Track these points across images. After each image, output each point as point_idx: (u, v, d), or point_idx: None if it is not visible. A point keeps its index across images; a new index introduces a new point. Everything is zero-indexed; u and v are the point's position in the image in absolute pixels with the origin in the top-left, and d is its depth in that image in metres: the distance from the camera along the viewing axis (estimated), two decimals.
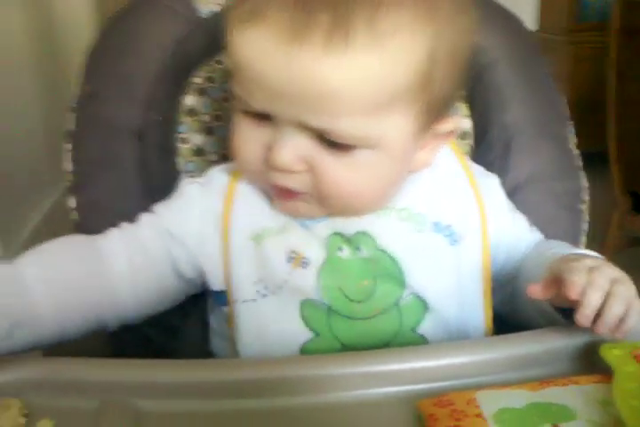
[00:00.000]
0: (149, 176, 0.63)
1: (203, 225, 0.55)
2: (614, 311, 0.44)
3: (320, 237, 0.53)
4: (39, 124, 2.28)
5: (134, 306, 0.54)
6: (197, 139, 0.67)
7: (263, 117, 0.48)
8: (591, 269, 0.45)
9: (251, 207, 0.55)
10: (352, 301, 0.53)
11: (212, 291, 0.56)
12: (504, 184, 0.65)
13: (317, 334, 0.53)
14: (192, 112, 0.66)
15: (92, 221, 0.60)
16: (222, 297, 0.55)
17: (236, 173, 0.56)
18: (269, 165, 0.48)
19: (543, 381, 0.45)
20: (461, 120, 0.68)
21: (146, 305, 0.54)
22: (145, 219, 0.56)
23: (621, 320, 0.44)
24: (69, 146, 0.63)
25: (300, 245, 0.53)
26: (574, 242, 0.67)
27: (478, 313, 0.56)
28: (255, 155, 0.50)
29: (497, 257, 0.57)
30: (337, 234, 0.53)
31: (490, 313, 0.57)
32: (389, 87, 0.45)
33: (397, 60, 0.44)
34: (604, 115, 1.69)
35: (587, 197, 0.69)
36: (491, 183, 0.60)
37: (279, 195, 0.52)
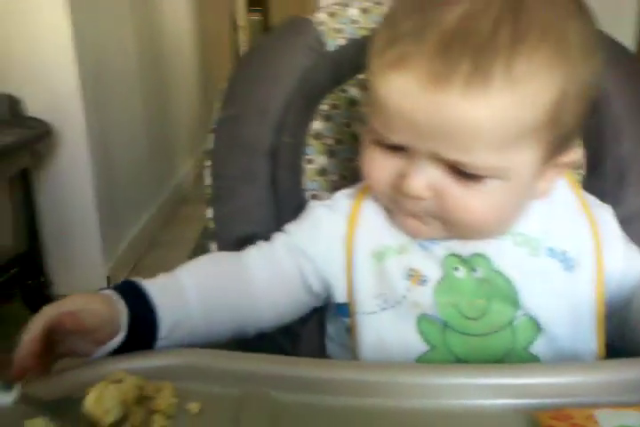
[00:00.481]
0: (279, 192, 0.69)
1: (329, 244, 0.60)
2: None
3: (437, 258, 0.57)
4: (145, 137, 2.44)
5: (270, 316, 0.60)
6: (321, 160, 0.73)
7: (396, 148, 0.52)
8: None
9: (373, 228, 0.59)
10: (467, 318, 0.56)
11: (336, 303, 0.60)
12: (617, 215, 0.67)
13: (433, 348, 0.56)
14: (318, 136, 0.72)
15: (230, 229, 0.67)
16: (344, 309, 0.59)
17: (360, 197, 0.61)
18: (400, 192, 0.52)
19: None
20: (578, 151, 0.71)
21: (280, 316, 0.61)
22: (278, 238, 0.62)
23: None
24: (209, 162, 0.70)
25: (419, 264, 0.57)
26: None
27: (591, 339, 0.58)
28: (386, 181, 0.54)
29: (609, 285, 0.59)
30: (453, 255, 0.57)
31: (602, 340, 0.58)
32: (521, 125, 0.48)
33: (530, 102, 0.48)
34: None
35: None
36: (604, 213, 0.62)
37: (407, 214, 0.56)
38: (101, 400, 0.43)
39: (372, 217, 0.59)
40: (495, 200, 0.52)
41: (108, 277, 1.96)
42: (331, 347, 0.64)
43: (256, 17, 5.77)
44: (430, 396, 0.47)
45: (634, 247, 0.63)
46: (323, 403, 0.47)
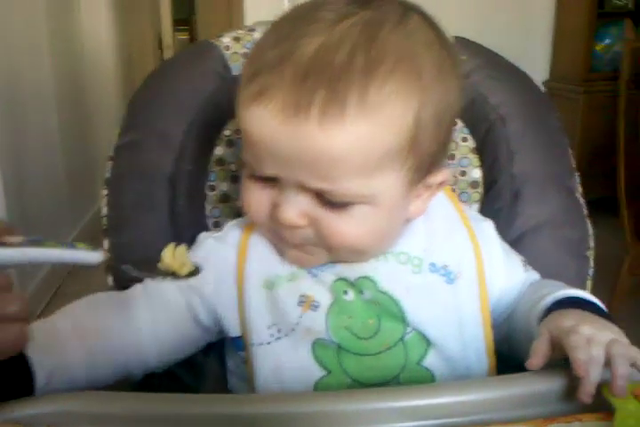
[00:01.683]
0: (179, 220, 0.68)
1: (219, 277, 0.59)
2: (621, 374, 0.46)
3: (326, 283, 0.57)
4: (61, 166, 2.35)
5: (158, 357, 0.58)
6: (224, 186, 0.72)
7: (269, 180, 0.53)
8: (589, 341, 0.48)
9: (263, 257, 0.59)
10: (360, 338, 0.57)
11: (230, 337, 0.60)
12: (512, 231, 0.71)
13: (329, 372, 0.56)
14: (221, 161, 0.72)
15: (127, 261, 0.65)
16: (239, 342, 0.58)
17: (249, 227, 0.61)
18: (277, 221, 0.53)
19: (547, 418, 0.47)
20: (474, 169, 0.74)
21: (168, 355, 0.59)
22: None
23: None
24: (105, 192, 0.69)
25: (310, 290, 0.57)
26: (581, 287, 0.70)
27: (480, 347, 0.59)
28: (264, 212, 0.55)
29: (492, 295, 0.61)
30: (342, 279, 0.58)
31: (492, 347, 0.60)
32: (380, 152, 0.49)
33: (386, 128, 0.49)
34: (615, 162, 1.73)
35: (592, 244, 0.73)
36: (485, 226, 0.64)
37: (288, 245, 0.56)
38: None
39: (261, 247, 0.59)
40: (367, 224, 0.53)
41: None
42: (232, 381, 0.63)
43: (183, 36, 5.72)
44: (328, 424, 0.47)
45: (516, 258, 0.66)
46: None
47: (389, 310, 0.57)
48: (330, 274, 0.58)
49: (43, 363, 0.50)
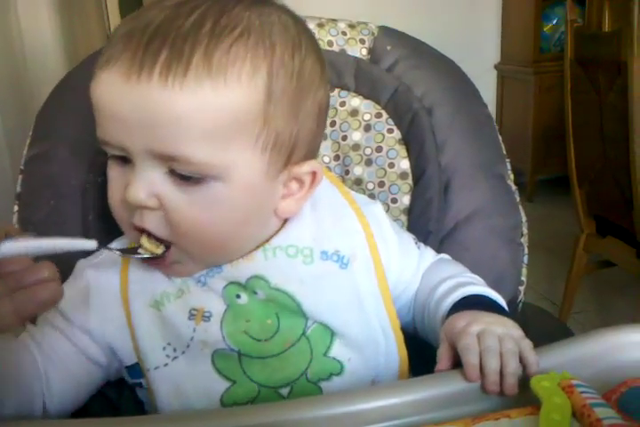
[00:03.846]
0: (92, 234, 0.65)
1: (103, 305, 0.55)
2: (510, 371, 0.47)
3: (217, 290, 0.55)
4: None
5: (58, 404, 0.53)
6: None
7: (125, 161, 0.50)
8: (480, 337, 0.49)
9: (146, 277, 0.56)
10: (260, 341, 0.55)
11: (126, 367, 0.56)
12: (446, 222, 0.70)
13: (234, 382, 0.54)
14: None
15: None
16: (137, 370, 0.56)
17: (130, 246, 0.56)
18: (125, 202, 0.50)
19: (476, 417, 0.45)
20: (402, 161, 0.72)
21: (69, 400, 0.55)
22: (48, 315, 0.56)
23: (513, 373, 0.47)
24: (16, 208, 0.65)
25: (200, 302, 0.54)
26: (516, 274, 0.70)
27: (385, 326, 0.58)
28: (118, 197, 0.52)
29: (389, 273, 0.60)
30: (232, 283, 0.55)
31: (397, 324, 0.59)
32: (227, 117, 0.48)
33: (232, 91, 0.48)
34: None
35: (526, 231, 0.72)
36: (374, 209, 0.63)
37: (150, 262, 0.53)
38: None
39: (143, 266, 0.56)
40: (221, 208, 0.50)
41: None
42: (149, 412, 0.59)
43: None
44: None
45: (408, 238, 0.65)
46: None
47: (286, 306, 0.55)
48: (219, 280, 0.55)
49: None
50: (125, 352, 0.55)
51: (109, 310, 0.55)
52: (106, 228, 0.64)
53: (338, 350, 0.56)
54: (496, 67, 3.02)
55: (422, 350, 0.59)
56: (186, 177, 0.49)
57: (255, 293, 0.55)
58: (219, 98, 0.47)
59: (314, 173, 0.55)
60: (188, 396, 0.54)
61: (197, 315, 0.54)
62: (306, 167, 0.54)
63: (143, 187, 0.49)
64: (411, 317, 0.63)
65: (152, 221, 0.51)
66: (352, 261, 0.58)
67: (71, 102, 0.68)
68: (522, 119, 2.80)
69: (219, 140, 0.48)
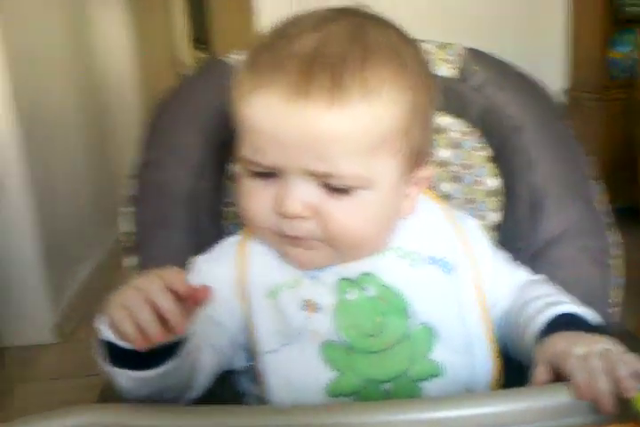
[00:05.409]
0: (201, 237, 0.69)
1: (222, 297, 0.57)
2: (626, 375, 0.46)
3: (328, 284, 0.58)
4: (86, 184, 2.40)
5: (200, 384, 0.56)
6: None
7: (269, 175, 0.55)
8: (585, 358, 0.48)
9: (263, 268, 0.60)
10: (368, 336, 0.57)
11: (243, 352, 0.60)
12: (535, 242, 0.70)
13: (340, 373, 0.57)
14: (234, 177, 0.71)
15: None
16: (247, 355, 0.59)
17: (244, 240, 0.62)
18: (280, 214, 0.54)
19: None
20: (490, 178, 0.74)
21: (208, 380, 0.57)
22: None
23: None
24: (128, 209, 0.70)
25: (312, 294, 0.58)
26: (604, 297, 0.70)
27: (482, 339, 0.60)
28: (265, 210, 0.56)
29: (485, 286, 0.62)
30: (343, 279, 0.59)
31: (493, 338, 0.60)
32: (378, 134, 0.53)
33: (385, 112, 0.53)
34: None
35: (617, 252, 0.72)
36: (471, 224, 0.66)
37: (291, 242, 0.57)
38: None
39: (260, 258, 0.60)
40: (368, 212, 0.55)
41: (55, 325, 1.90)
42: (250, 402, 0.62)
43: (202, 54, 5.80)
44: None
45: (503, 256, 0.66)
46: None
47: (394, 304, 0.58)
48: (331, 275, 0.59)
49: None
50: (242, 339, 0.59)
51: (225, 300, 0.58)
52: (215, 230, 0.69)
53: (439, 353, 0.58)
54: (566, 92, 2.99)
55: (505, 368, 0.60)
56: (337, 189, 0.54)
57: (364, 289, 0.59)
58: (374, 118, 0.52)
59: (427, 178, 0.61)
60: (295, 384, 0.57)
61: (310, 306, 0.58)
62: (425, 172, 0.60)
63: (299, 200, 0.54)
64: (499, 334, 0.63)
65: (305, 229, 0.55)
66: (454, 269, 0.61)
67: (181, 112, 0.73)
68: (588, 147, 2.74)
69: (369, 154, 0.53)
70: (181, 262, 0.65)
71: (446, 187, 0.75)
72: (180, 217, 0.69)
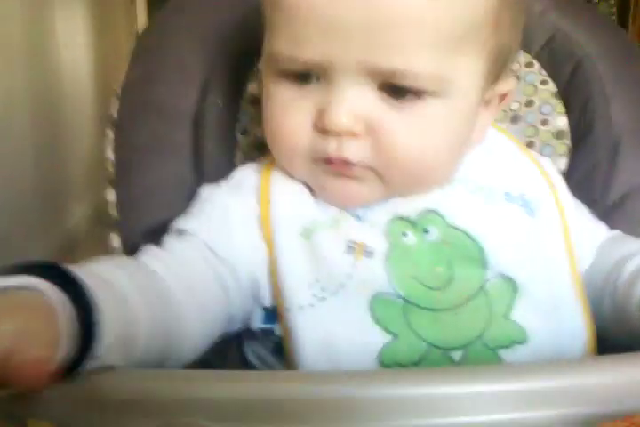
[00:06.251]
0: (204, 168, 0.55)
1: (243, 233, 0.46)
2: None
3: (379, 225, 0.46)
4: None
5: (193, 342, 0.43)
6: (260, 131, 0.56)
7: (308, 80, 0.43)
8: None
9: (292, 202, 0.47)
10: (431, 289, 0.45)
11: (261, 312, 0.46)
12: (612, 191, 0.59)
13: (396, 336, 0.44)
14: (255, 101, 0.57)
15: (138, 215, 0.51)
16: (270, 314, 0.46)
17: (267, 169, 0.49)
18: (323, 129, 0.43)
19: None
20: (556, 117, 0.61)
21: (203, 339, 0.44)
22: (179, 240, 0.46)
23: None
24: (111, 133, 0.55)
25: (358, 235, 0.45)
26: None
27: (571, 294, 0.48)
28: (301, 126, 0.44)
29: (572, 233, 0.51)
30: (398, 218, 0.47)
31: (584, 296, 0.48)
32: (466, 19, 0.42)
33: None
34: None
35: None
36: (549, 163, 0.55)
37: (334, 171, 0.44)
38: None
39: (288, 190, 0.48)
40: (437, 130, 0.44)
41: None
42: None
43: None
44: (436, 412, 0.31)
45: (584, 210, 0.55)
46: None
47: (464, 249, 0.46)
48: (383, 213, 0.46)
49: (109, 330, 0.33)
50: (262, 291, 0.45)
51: (249, 238, 0.46)
52: (222, 161, 0.55)
53: (521, 313, 0.46)
54: None
55: None
56: (401, 93, 0.42)
57: (427, 231, 0.46)
58: (461, 3, 0.41)
59: (503, 95, 0.49)
60: (337, 350, 0.43)
61: (357, 249, 0.44)
62: (506, 85, 0.49)
63: (350, 109, 0.42)
64: None
65: (355, 151, 0.43)
66: (538, 209, 0.48)
67: (179, 22, 0.59)
68: None
69: (449, 47, 0.42)
70: (181, 195, 0.51)
71: (503, 128, 0.62)
72: (180, 141, 0.54)
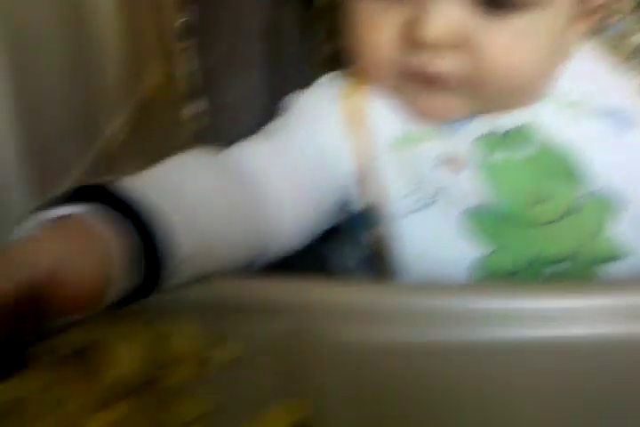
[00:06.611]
0: (285, 79, 0.54)
1: (333, 138, 0.46)
2: None
3: (471, 139, 0.46)
4: None
5: (296, 234, 0.44)
6: (338, 43, 0.54)
7: None
8: None
9: (382, 111, 0.47)
10: (525, 204, 0.45)
11: (351, 217, 0.48)
12: None
13: (489, 249, 0.45)
14: (332, 11, 0.55)
15: (225, 126, 0.51)
16: (359, 221, 0.47)
17: (353, 81, 0.48)
18: (414, 42, 0.42)
19: None
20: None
21: (304, 233, 0.44)
22: (271, 140, 0.46)
23: None
24: (187, 43, 0.54)
25: (452, 148, 0.45)
26: None
27: None
28: (390, 39, 0.43)
29: None
30: (491, 133, 0.46)
31: None
32: None
33: None
34: None
35: None
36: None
37: (425, 85, 0.44)
38: None
39: (377, 99, 0.47)
40: (535, 42, 0.43)
41: None
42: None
43: None
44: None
45: None
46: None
47: (559, 166, 0.45)
48: (475, 127, 0.46)
49: (180, 245, 0.32)
50: (353, 196, 0.46)
51: (339, 142, 0.46)
52: (302, 81, 0.52)
53: (619, 230, 0.46)
54: None
55: None
56: (498, 5, 0.41)
57: (520, 147, 0.46)
58: None
59: (602, 7, 0.47)
60: (432, 260, 0.45)
61: (450, 162, 0.45)
62: None
63: (444, 21, 0.40)
64: None
65: (448, 64, 0.42)
66: (637, 126, 0.47)
67: None
68: None
69: None
70: (261, 107, 0.51)
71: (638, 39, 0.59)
72: (258, 53, 0.54)
